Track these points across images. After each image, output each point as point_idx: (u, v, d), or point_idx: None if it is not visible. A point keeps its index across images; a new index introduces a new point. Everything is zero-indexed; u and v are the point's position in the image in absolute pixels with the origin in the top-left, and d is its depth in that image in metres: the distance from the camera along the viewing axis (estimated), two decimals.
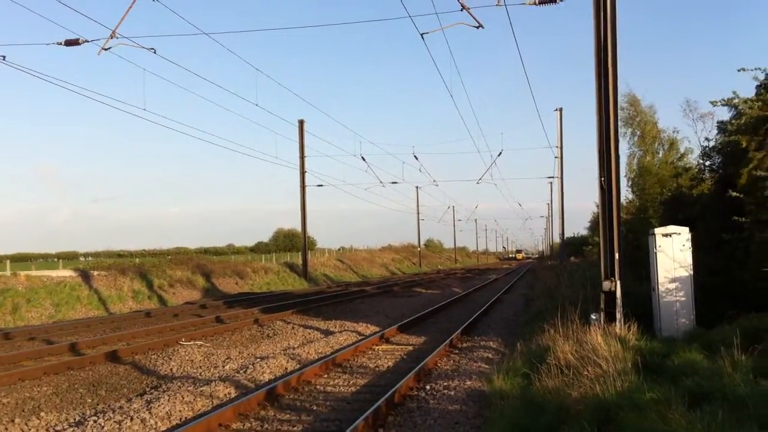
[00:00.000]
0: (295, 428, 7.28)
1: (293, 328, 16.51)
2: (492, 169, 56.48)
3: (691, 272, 11.11)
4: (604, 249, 11.12)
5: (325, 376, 10.19)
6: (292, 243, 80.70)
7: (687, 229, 11.31)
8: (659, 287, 11.14)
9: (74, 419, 7.87)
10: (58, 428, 7.49)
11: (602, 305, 10.74)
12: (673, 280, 11.10)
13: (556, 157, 39.11)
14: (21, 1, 20.35)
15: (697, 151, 21.03)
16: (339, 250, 68.33)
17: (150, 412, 7.66)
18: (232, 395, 8.91)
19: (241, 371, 10.42)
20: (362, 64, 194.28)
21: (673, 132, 24.05)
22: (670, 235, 11.21)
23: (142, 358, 12.17)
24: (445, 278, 45.13)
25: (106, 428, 7.15)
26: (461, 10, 12.37)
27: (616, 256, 10.88)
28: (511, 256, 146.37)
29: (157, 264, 33.22)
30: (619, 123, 13.12)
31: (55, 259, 61.83)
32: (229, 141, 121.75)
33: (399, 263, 71.41)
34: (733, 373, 6.55)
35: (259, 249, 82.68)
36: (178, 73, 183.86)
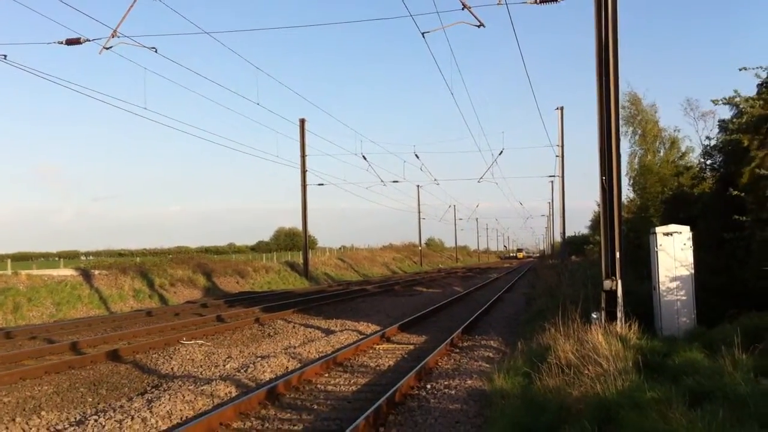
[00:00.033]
0: (296, 427, 7.28)
1: (294, 327, 16.52)
2: (493, 168, 56.48)
3: (692, 271, 11.10)
4: (605, 248, 11.11)
5: (326, 375, 10.19)
6: (293, 242, 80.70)
7: (688, 228, 11.30)
8: (660, 286, 11.13)
9: (75, 418, 7.87)
10: (59, 427, 7.50)
11: (603, 304, 10.73)
12: (674, 279, 11.09)
13: (557, 156, 39.16)
14: (22, 0, 20.34)
15: (698, 150, 21.00)
16: (340, 249, 68.36)
17: (151, 411, 7.67)
18: (233, 394, 8.92)
19: (242, 370, 10.43)
20: (363, 63, 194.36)
21: (675, 131, 24.06)
22: (671, 234, 11.20)
23: (143, 357, 12.18)
24: (446, 277, 45.13)
25: (106, 427, 7.15)
26: (462, 8, 12.36)
27: (617, 255, 10.87)
28: (512, 255, 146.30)
29: (158, 263, 33.25)
30: (621, 122, 13.08)
31: (56, 258, 61.89)
32: (230, 140, 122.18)
33: (400, 262, 71.42)
34: (733, 372, 6.54)
35: (260, 248, 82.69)
36: (179, 72, 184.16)
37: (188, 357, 11.99)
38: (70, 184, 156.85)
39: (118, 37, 15.15)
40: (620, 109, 12.26)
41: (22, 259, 54.44)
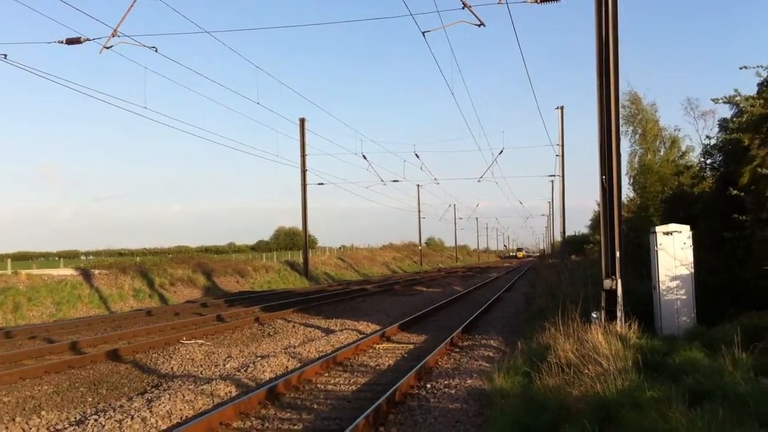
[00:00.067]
0: (296, 427, 7.28)
1: (294, 326, 16.52)
2: (493, 168, 56.13)
3: (692, 270, 11.10)
4: (605, 247, 11.11)
5: (326, 374, 10.19)
6: (293, 241, 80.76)
7: (688, 227, 11.30)
8: (660, 285, 11.13)
9: (75, 418, 7.87)
10: (58, 427, 7.50)
11: (603, 303, 10.73)
12: (674, 279, 11.09)
13: (557, 156, 39.15)
14: (22, 0, 20.33)
15: (699, 149, 20.99)
16: (340, 248, 68.38)
17: (151, 411, 7.66)
18: (233, 394, 8.92)
19: (242, 370, 10.43)
20: (363, 63, 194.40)
21: (675, 130, 24.02)
22: (671, 234, 11.20)
23: (142, 357, 12.17)
24: (446, 277, 45.15)
25: (106, 427, 7.15)
26: (463, 8, 12.35)
27: (617, 254, 10.87)
28: (512, 254, 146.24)
29: (158, 263, 33.26)
30: (621, 121, 13.09)
31: (56, 258, 61.91)
32: (231, 139, 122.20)
33: (400, 262, 71.43)
34: (733, 372, 6.54)
35: (260, 247, 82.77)
36: (179, 71, 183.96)
37: (188, 356, 11.99)
38: (70, 184, 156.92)
39: (119, 36, 15.16)
40: (620, 108, 12.25)
41: (22, 258, 54.47)
